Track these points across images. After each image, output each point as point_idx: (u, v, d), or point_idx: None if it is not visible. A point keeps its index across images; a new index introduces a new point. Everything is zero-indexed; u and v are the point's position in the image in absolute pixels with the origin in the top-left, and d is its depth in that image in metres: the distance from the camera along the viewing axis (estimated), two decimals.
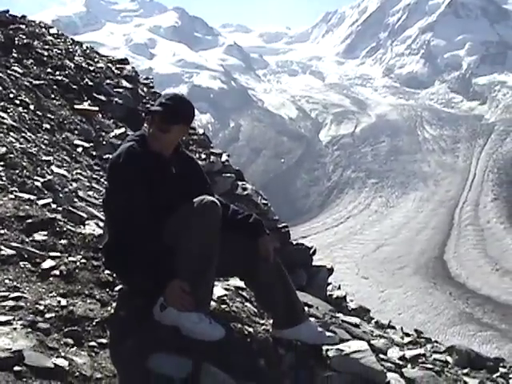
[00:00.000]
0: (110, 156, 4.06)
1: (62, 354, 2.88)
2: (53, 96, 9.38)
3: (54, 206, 5.02)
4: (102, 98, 10.68)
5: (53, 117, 8.49)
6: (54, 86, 9.84)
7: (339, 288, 12.17)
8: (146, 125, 4.12)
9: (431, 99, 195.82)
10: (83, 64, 11.69)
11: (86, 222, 4.99)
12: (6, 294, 3.31)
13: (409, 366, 4.99)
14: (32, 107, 8.25)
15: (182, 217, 3.62)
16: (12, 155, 5.91)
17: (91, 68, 11.74)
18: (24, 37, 11.14)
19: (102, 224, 4.76)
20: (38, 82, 9.33)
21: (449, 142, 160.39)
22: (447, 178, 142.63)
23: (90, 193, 6.36)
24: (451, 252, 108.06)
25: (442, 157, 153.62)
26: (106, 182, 4.12)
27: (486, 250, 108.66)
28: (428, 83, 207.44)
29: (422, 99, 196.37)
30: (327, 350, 4.18)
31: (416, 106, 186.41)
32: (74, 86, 10.35)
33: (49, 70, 10.38)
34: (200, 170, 4.33)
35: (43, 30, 13.06)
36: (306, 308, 5.20)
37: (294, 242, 10.29)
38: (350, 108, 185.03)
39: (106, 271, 4.01)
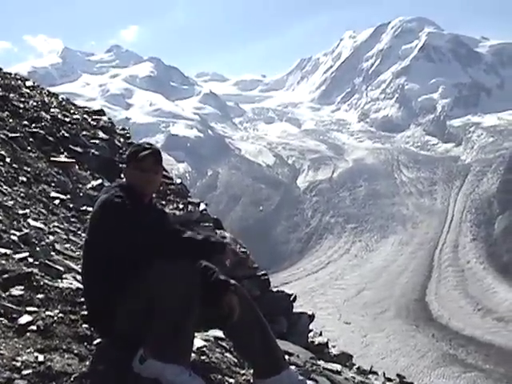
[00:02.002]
0: (93, 207, 4.05)
1: None
2: (29, 148, 9.35)
3: (30, 259, 4.97)
4: (79, 149, 10.66)
5: (29, 169, 8.46)
6: (31, 139, 9.81)
7: (321, 334, 12.07)
8: (129, 172, 4.11)
9: (407, 142, 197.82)
10: (59, 116, 11.69)
11: (64, 276, 4.94)
12: None
13: None
14: (8, 160, 8.21)
15: (163, 270, 3.61)
16: None
17: (67, 120, 11.74)
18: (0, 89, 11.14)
19: (79, 277, 4.72)
20: (13, 135, 9.30)
21: (426, 184, 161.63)
22: (425, 220, 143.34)
23: (68, 245, 6.30)
24: (432, 294, 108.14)
25: (419, 199, 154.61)
26: (88, 234, 4.08)
27: (467, 291, 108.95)
28: (403, 127, 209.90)
29: (397, 143, 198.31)
30: None
31: (392, 149, 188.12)
32: (51, 138, 10.33)
33: (25, 122, 10.36)
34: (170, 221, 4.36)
35: (19, 82, 13.07)
36: (287, 356, 5.15)
37: (275, 290, 10.23)
38: (327, 153, 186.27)
39: (84, 325, 3.97)
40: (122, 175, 4.25)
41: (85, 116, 12.96)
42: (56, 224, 7.02)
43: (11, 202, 6.71)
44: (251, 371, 4.24)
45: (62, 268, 5.14)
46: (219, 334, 4.63)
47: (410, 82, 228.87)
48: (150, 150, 4.05)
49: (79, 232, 7.18)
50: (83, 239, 5.02)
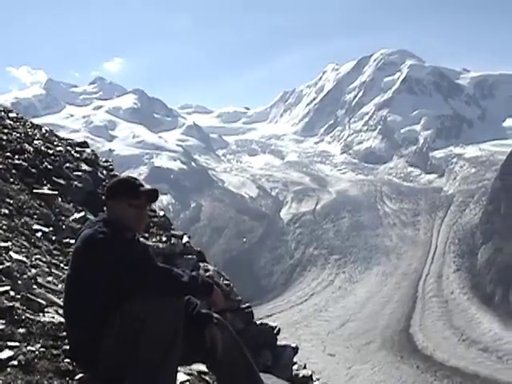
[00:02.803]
0: (76, 241, 4.02)
1: None
2: (12, 180, 9.31)
3: (12, 293, 4.92)
4: (62, 181, 10.63)
5: (11, 201, 8.41)
6: (13, 170, 9.77)
7: (305, 367, 12.00)
8: (119, 207, 4.07)
9: (390, 174, 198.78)
10: (42, 147, 11.66)
11: (46, 310, 4.90)
12: None
13: None
14: None
15: (147, 305, 3.59)
16: None
17: (50, 151, 11.71)
18: None
19: (61, 311, 4.68)
20: None
21: (409, 215, 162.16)
22: (409, 251, 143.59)
23: (50, 278, 6.25)
24: (417, 325, 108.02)
25: (403, 230, 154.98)
26: (71, 269, 4.04)
27: (452, 321, 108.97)
28: (386, 158, 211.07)
29: (380, 174, 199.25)
30: None
31: (375, 181, 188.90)
32: (33, 170, 10.29)
33: (8, 154, 10.32)
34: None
35: (2, 113, 13.05)
36: None
37: (258, 322, 10.19)
38: (310, 185, 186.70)
39: (66, 360, 3.92)
40: (106, 208, 4.20)
41: (68, 148, 12.93)
42: (38, 257, 6.96)
43: None
44: None
45: (43, 302, 5.09)
46: (202, 368, 4.59)
47: (392, 114, 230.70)
48: (149, 187, 4.07)
49: (62, 265, 7.13)
50: (66, 272, 4.98)
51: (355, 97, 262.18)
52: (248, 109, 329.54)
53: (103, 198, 4.10)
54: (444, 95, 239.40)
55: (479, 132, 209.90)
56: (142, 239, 4.68)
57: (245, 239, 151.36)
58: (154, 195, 4.12)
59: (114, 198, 4.03)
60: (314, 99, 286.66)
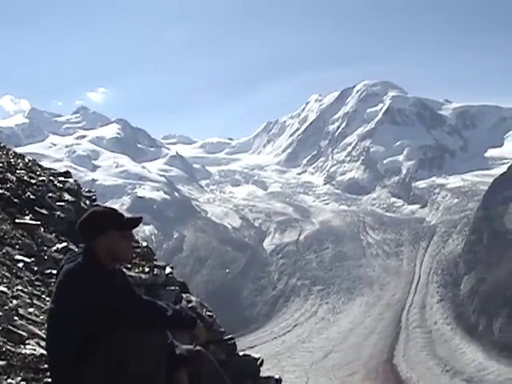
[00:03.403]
0: (58, 272, 3.99)
1: None
2: None
3: None
4: (44, 211, 10.57)
5: None
6: None
7: None
8: (107, 239, 4.04)
9: (373, 204, 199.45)
10: (25, 177, 11.62)
11: (27, 342, 4.84)
12: None
13: None
14: None
15: (130, 337, 3.56)
16: None
17: (33, 181, 11.67)
18: None
19: (43, 343, 4.63)
20: None
21: (392, 245, 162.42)
22: (392, 282, 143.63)
23: (31, 310, 6.19)
24: (400, 355, 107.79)
25: (386, 261, 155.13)
26: (53, 303, 3.99)
27: (435, 352, 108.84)
28: (369, 189, 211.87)
29: (364, 205, 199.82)
30: None
31: (358, 211, 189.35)
32: (16, 200, 10.24)
33: None
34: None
35: None
36: None
37: (241, 353, 10.11)
38: (294, 216, 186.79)
39: None
40: (93, 241, 4.13)
41: (51, 178, 12.88)
42: (20, 288, 6.90)
43: None
44: None
45: (25, 333, 5.04)
46: None
47: (375, 145, 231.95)
48: (135, 217, 4.07)
49: (43, 296, 7.07)
50: (47, 303, 4.93)
51: (338, 128, 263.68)
52: (231, 139, 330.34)
53: (89, 231, 4.02)
54: (426, 126, 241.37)
55: (461, 162, 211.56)
56: (124, 270, 4.65)
57: (228, 270, 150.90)
58: (138, 223, 4.12)
59: (106, 230, 3.99)
60: (297, 130, 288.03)
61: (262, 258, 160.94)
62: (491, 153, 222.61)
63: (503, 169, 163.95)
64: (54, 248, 9.23)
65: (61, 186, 12.64)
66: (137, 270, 9.43)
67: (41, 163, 15.01)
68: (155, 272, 9.75)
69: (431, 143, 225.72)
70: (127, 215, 4.16)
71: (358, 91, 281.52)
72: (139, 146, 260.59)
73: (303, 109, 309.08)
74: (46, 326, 4.12)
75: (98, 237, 3.97)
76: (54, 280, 4.74)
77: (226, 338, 9.52)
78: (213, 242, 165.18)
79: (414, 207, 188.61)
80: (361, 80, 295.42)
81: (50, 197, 11.43)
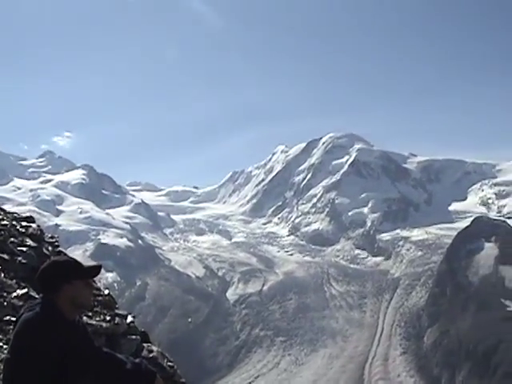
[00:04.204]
0: (19, 327, 3.91)
1: None
2: None
3: None
4: (5, 256, 10.43)
5: None
6: None
7: None
8: (72, 288, 3.98)
9: (337, 256, 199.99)
10: None
11: None
12: None
13: None
14: None
15: None
16: None
17: None
18: None
19: None
20: None
21: (356, 297, 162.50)
22: (355, 334, 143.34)
23: None
24: None
25: (349, 313, 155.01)
26: (10, 353, 3.90)
27: None
28: (334, 240, 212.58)
29: (328, 256, 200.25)
30: None
31: (322, 263, 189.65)
32: None
33: None
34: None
35: None
36: None
37: None
38: (257, 266, 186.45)
39: None
40: (56, 291, 4.06)
41: (13, 222, 12.74)
42: None
43: None
44: None
45: None
46: None
47: (340, 197, 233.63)
48: (95, 265, 4.05)
49: (1, 343, 6.94)
50: (5, 352, 4.83)
51: (304, 179, 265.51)
52: (197, 188, 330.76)
53: (52, 281, 3.95)
54: (391, 179, 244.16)
55: (426, 215, 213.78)
56: (84, 318, 4.59)
57: (190, 319, 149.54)
58: (99, 271, 4.09)
59: (71, 279, 3.94)
60: (263, 180, 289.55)
61: (224, 307, 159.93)
62: (455, 206, 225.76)
63: (467, 222, 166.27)
64: (14, 294, 9.08)
65: (23, 230, 12.50)
66: (98, 319, 9.31)
67: (4, 207, 14.85)
68: (116, 321, 9.63)
69: (396, 196, 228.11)
70: (88, 263, 4.13)
71: (324, 143, 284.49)
72: (104, 192, 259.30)
73: (269, 159, 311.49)
74: (1, 375, 4.03)
75: (63, 286, 3.92)
76: (12, 327, 4.64)
77: None
78: (176, 290, 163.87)
79: (378, 259, 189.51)
80: (327, 132, 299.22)
81: (11, 241, 11.30)
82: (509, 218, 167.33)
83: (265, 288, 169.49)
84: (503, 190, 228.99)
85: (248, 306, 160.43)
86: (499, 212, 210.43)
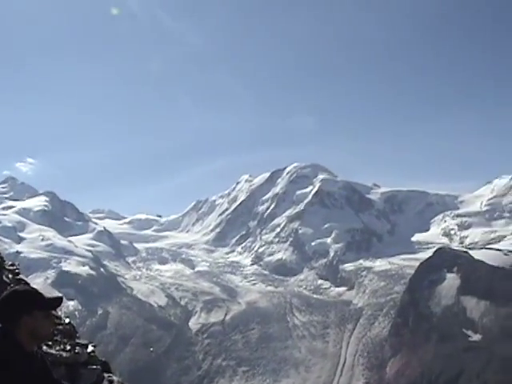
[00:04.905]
0: None
1: None
2: None
3: None
4: None
5: None
6: None
7: None
8: (33, 320, 3.90)
9: (300, 286, 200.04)
10: None
11: None
12: None
13: None
14: None
15: None
16: None
17: None
18: None
19: None
20: None
21: (318, 327, 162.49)
22: (318, 364, 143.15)
23: None
24: None
25: (312, 342, 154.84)
26: None
27: None
28: (297, 270, 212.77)
29: (291, 286, 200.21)
30: None
31: (285, 292, 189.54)
32: None
33: None
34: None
35: None
36: None
37: None
38: (220, 296, 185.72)
39: None
40: (15, 323, 3.99)
41: None
42: None
43: None
44: None
45: None
46: None
47: (303, 227, 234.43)
48: (57, 297, 3.99)
49: None
50: None
51: (267, 208, 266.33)
52: (160, 216, 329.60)
53: (11, 311, 3.86)
54: (355, 209, 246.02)
55: (388, 246, 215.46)
56: (44, 347, 4.50)
57: (152, 349, 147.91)
58: (61, 303, 4.03)
59: (31, 311, 3.86)
60: (227, 209, 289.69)
61: (187, 337, 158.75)
62: (418, 237, 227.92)
63: (429, 253, 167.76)
64: None
65: None
66: (58, 348, 9.16)
67: None
68: (77, 350, 9.49)
69: (359, 226, 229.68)
70: (49, 291, 4.08)
71: (288, 173, 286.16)
72: (66, 219, 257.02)
73: (233, 188, 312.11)
74: None
75: (23, 317, 3.84)
76: None
77: None
78: (137, 319, 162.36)
79: (341, 289, 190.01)
80: (291, 162, 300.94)
81: None
82: (471, 248, 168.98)
83: (227, 318, 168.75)
84: (465, 221, 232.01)
85: (210, 336, 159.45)
86: (461, 243, 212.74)
